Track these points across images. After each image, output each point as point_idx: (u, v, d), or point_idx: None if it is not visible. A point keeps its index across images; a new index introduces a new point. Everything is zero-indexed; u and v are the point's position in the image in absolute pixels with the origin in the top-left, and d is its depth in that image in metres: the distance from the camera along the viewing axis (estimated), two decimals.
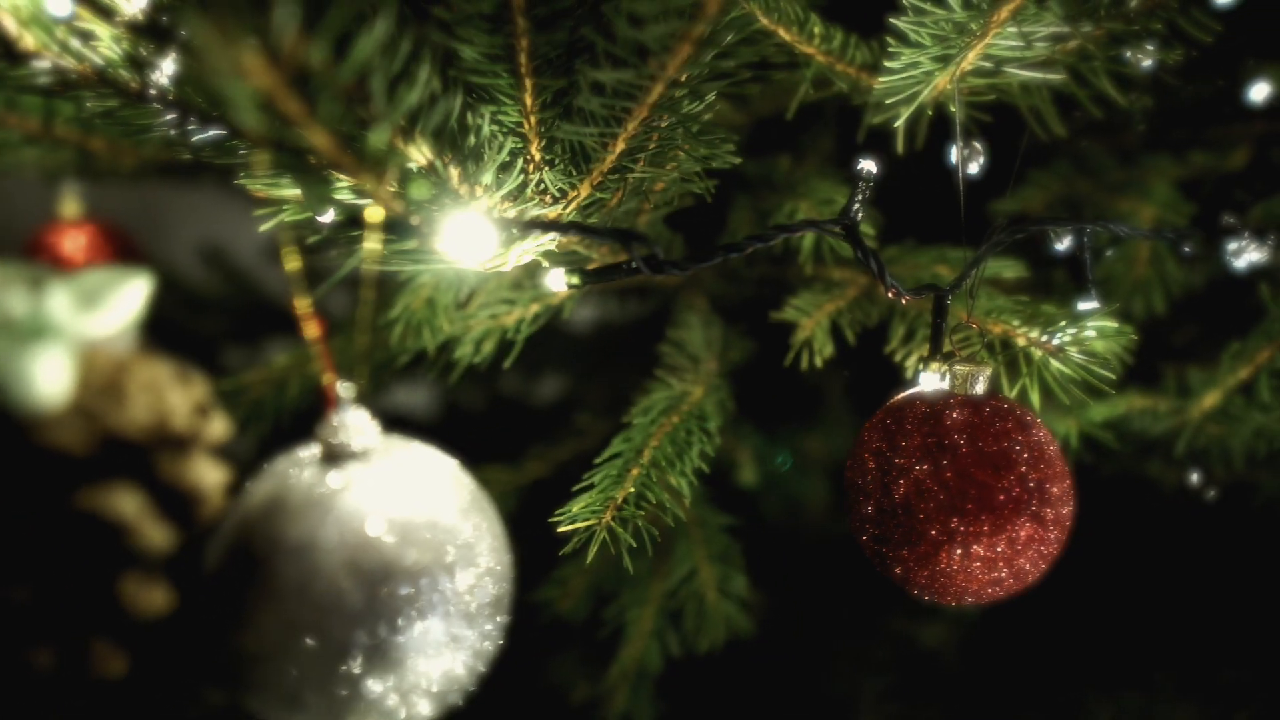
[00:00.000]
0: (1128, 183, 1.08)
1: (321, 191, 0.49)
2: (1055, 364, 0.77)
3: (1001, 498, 0.66)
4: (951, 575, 0.68)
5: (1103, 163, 1.12)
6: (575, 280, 0.62)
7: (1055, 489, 0.68)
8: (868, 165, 0.70)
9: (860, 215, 0.67)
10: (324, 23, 0.43)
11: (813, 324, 0.89)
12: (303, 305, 0.54)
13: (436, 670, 0.47)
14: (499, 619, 0.52)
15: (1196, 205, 0.99)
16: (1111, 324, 0.78)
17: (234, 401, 1.07)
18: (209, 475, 0.42)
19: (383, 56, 0.49)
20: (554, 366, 1.82)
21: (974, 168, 0.89)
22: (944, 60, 0.71)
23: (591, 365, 1.72)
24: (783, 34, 0.82)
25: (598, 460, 0.83)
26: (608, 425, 0.99)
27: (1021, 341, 0.79)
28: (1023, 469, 0.67)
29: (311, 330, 1.11)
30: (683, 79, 0.65)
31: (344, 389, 0.52)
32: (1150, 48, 0.75)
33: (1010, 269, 0.91)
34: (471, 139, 0.64)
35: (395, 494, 0.48)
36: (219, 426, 0.46)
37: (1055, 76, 0.76)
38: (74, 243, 1.35)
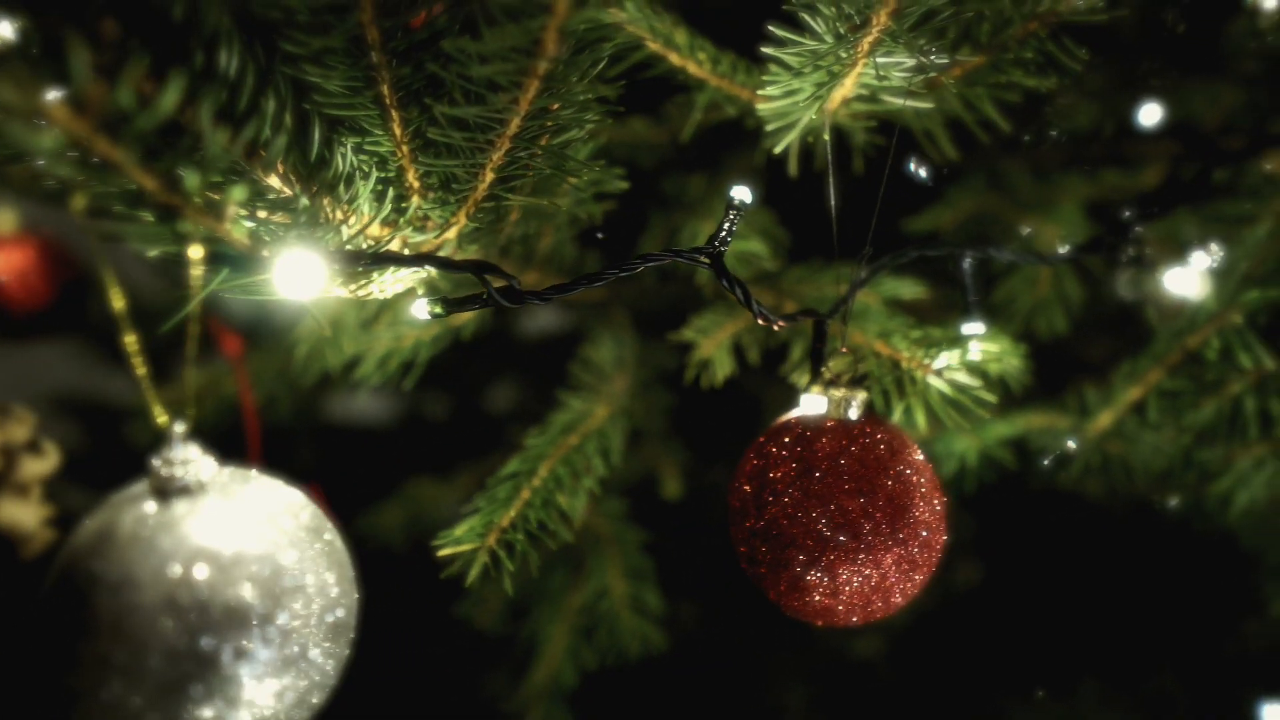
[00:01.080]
0: (1038, 201, 1.09)
1: (155, 231, 0.49)
2: (937, 385, 0.78)
3: (865, 523, 0.67)
4: (818, 598, 0.69)
5: (1017, 180, 1.13)
6: (437, 310, 0.62)
7: (923, 514, 0.69)
8: (740, 194, 0.70)
9: (727, 244, 0.67)
10: (128, 67, 0.44)
11: (713, 345, 0.90)
12: (131, 342, 0.54)
13: (260, 700, 0.47)
14: (334, 648, 0.53)
15: (1101, 224, 1.01)
16: (994, 346, 0.79)
17: (147, 420, 1.08)
18: (21, 515, 0.43)
19: (209, 93, 0.50)
20: (514, 377, 1.82)
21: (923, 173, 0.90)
22: (822, 86, 0.72)
23: (537, 376, 1.73)
24: (672, 58, 0.83)
25: (490, 481, 0.84)
26: None
27: (905, 364, 0.80)
28: (889, 494, 0.68)
29: (231, 349, 1.11)
30: (554, 108, 0.66)
31: (177, 424, 0.53)
32: (1027, 75, 0.76)
33: (908, 289, 0.92)
34: (339, 168, 0.65)
35: (220, 529, 0.48)
36: (43, 463, 0.46)
37: (925, 105, 0.77)
38: (6, 260, 1.35)
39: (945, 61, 0.66)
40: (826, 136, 0.75)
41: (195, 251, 0.50)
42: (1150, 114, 0.90)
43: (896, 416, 0.80)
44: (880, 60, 0.68)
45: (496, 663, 1.15)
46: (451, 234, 0.73)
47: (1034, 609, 1.46)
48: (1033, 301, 0.97)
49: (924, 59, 0.65)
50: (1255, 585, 1.08)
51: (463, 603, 1.12)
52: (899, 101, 0.74)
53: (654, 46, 0.80)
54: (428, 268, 0.62)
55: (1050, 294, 0.97)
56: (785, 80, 0.71)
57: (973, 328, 0.81)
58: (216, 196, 0.52)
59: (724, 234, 0.67)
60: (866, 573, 0.68)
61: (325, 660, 0.51)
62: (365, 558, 0.87)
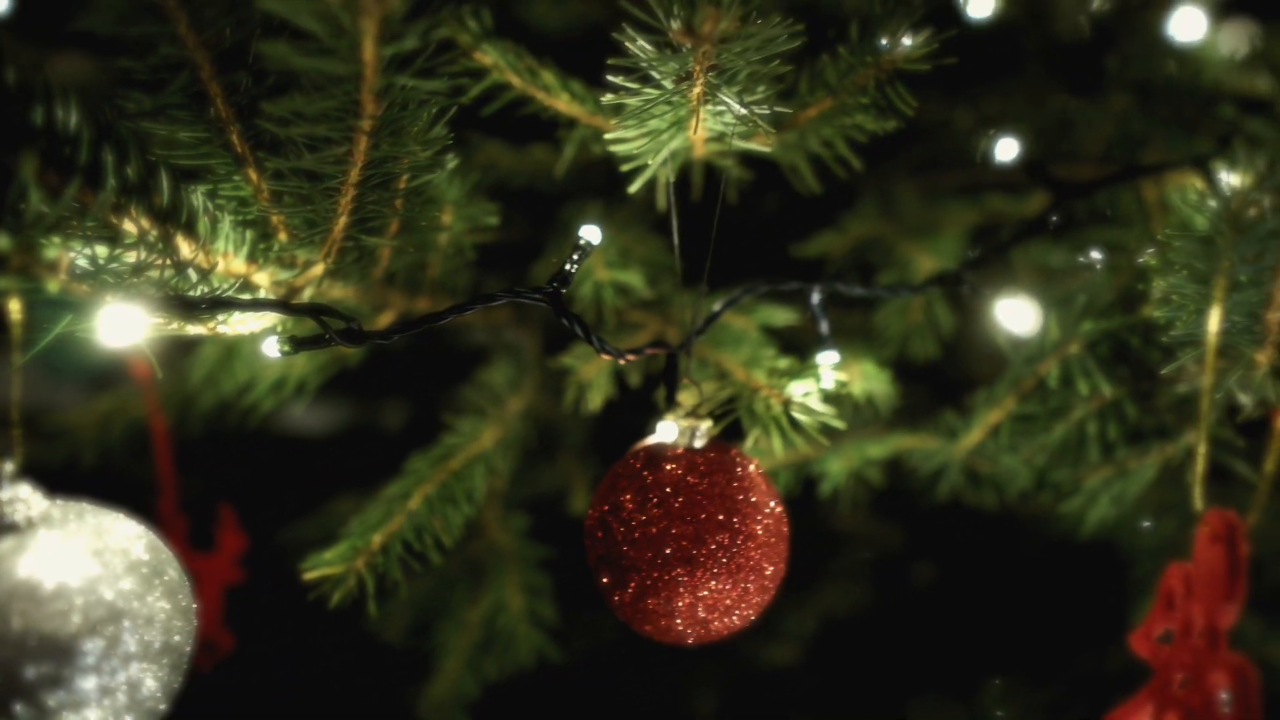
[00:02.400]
0: (926, 226, 1.13)
1: None
2: (794, 412, 0.82)
3: (702, 548, 0.71)
4: (657, 619, 0.73)
5: (907, 205, 1.17)
6: (286, 349, 0.66)
7: (761, 538, 0.73)
8: (587, 234, 0.74)
9: (568, 283, 0.71)
10: None
11: (593, 369, 0.94)
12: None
13: None
14: (166, 677, 0.56)
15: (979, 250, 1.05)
16: (850, 374, 0.83)
17: (62, 441, 1.11)
18: None
19: (31, 150, 0.53)
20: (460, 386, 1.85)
21: None
22: (665, 131, 0.75)
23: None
24: (540, 97, 0.86)
25: (368, 503, 0.87)
26: None
27: (763, 392, 0.84)
28: (727, 520, 0.72)
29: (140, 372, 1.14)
30: (403, 160, 0.69)
31: (6, 463, 0.56)
32: (868, 120, 0.80)
33: (780, 316, 0.95)
34: (194, 212, 0.68)
35: (45, 564, 0.52)
36: None
37: (765, 149, 0.81)
38: None
39: (766, 112, 0.70)
40: (666, 178, 0.79)
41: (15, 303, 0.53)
42: (1006, 149, 0.94)
43: (750, 443, 0.84)
44: (714, 109, 0.71)
45: (409, 675, 1.18)
46: (317, 271, 0.77)
47: (940, 616, 1.51)
48: (905, 327, 1.01)
49: (749, 110, 0.69)
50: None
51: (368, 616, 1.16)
52: (740, 144, 0.78)
53: (520, 86, 0.84)
54: (262, 309, 0.65)
55: (922, 320, 1.01)
56: (632, 124, 0.74)
57: (827, 357, 0.84)
58: (49, 249, 0.55)
59: (566, 272, 0.71)
60: (703, 595, 0.72)
61: (153, 690, 0.54)
62: (289, 574, 0.91)
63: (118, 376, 1.17)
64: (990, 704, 1.31)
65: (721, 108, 0.70)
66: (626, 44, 0.65)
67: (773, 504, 0.75)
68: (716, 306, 0.82)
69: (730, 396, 0.86)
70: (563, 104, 0.85)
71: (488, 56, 0.81)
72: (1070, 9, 1.33)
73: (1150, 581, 1.04)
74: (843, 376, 0.83)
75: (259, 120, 0.62)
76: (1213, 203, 0.56)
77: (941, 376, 1.12)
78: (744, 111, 0.70)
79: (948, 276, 0.86)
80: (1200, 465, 0.70)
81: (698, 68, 0.64)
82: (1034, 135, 1.01)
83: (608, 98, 0.74)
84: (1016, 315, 0.85)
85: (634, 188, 0.81)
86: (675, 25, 0.59)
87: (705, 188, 0.97)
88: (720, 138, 0.79)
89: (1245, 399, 0.74)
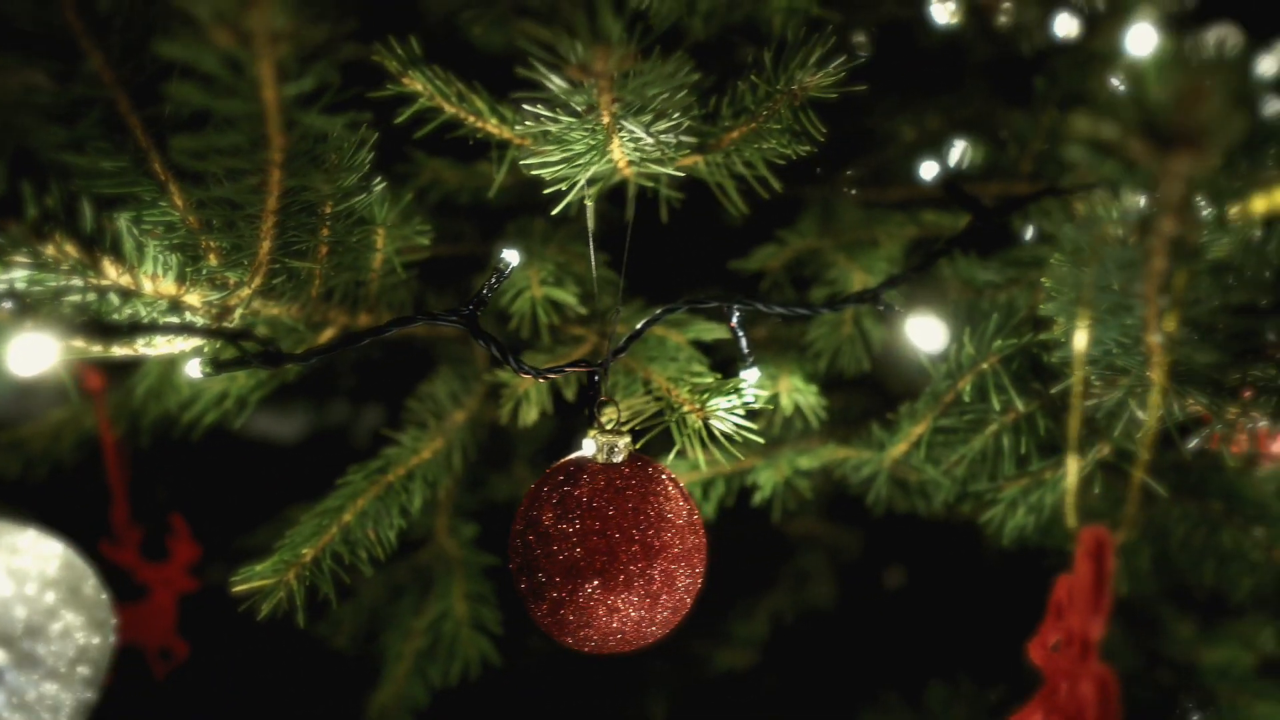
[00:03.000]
0: (866, 240, 1.16)
1: None
2: (714, 426, 0.84)
3: (615, 561, 0.73)
4: (574, 628, 0.75)
5: (848, 219, 1.19)
6: (208, 370, 0.68)
7: (675, 550, 0.75)
8: (508, 257, 0.76)
9: (485, 304, 0.73)
10: None
11: (528, 383, 0.96)
12: None
13: None
14: (78, 689, 0.58)
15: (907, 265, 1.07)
16: (775, 388, 0.86)
17: (14, 453, 1.13)
18: None
19: None
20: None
21: None
22: (582, 156, 0.78)
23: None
24: (471, 120, 0.88)
25: (305, 517, 0.89)
26: None
27: (686, 407, 0.86)
28: (640, 534, 0.74)
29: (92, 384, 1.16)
30: (322, 188, 0.72)
31: None
32: (782, 144, 0.82)
33: (711, 331, 0.98)
34: (119, 237, 0.70)
35: None
36: None
37: (678, 173, 0.84)
38: None
39: (672, 140, 0.73)
40: (587, 200, 0.81)
41: None
42: (929, 169, 0.97)
43: (672, 456, 0.86)
44: (626, 136, 0.74)
45: (358, 681, 1.21)
46: (247, 292, 0.79)
47: (895, 619, 1.53)
48: (836, 341, 1.04)
49: (655, 138, 0.71)
50: None
51: (319, 624, 1.18)
52: (654, 168, 0.80)
53: (450, 110, 0.86)
54: (180, 334, 0.68)
55: (853, 333, 1.03)
56: (552, 149, 0.77)
57: (748, 374, 0.87)
58: None
59: (483, 294, 0.73)
60: (617, 607, 0.74)
61: (66, 703, 0.57)
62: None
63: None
64: (937, 705, 1.34)
65: (633, 135, 0.72)
66: (535, 77, 0.68)
67: (687, 517, 0.78)
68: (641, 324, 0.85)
69: (658, 411, 0.89)
70: (493, 127, 0.87)
71: (416, 82, 0.83)
72: (1016, 24, 1.36)
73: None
74: (762, 393, 0.85)
75: (174, 154, 0.64)
76: (1083, 230, 0.59)
77: (876, 388, 1.15)
78: (650, 140, 0.72)
79: (865, 295, 0.88)
80: (1072, 482, 0.72)
81: (602, 99, 0.67)
82: (975, 151, 1.04)
83: (525, 125, 0.76)
84: (926, 333, 0.87)
85: (557, 210, 0.84)
86: (573, 61, 0.61)
87: (651, 205, 1.00)
88: (654, 158, 0.81)
89: (1143, 415, 0.77)
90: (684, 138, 0.86)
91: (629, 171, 0.89)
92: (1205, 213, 0.52)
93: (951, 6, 1.28)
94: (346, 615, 1.18)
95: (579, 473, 0.77)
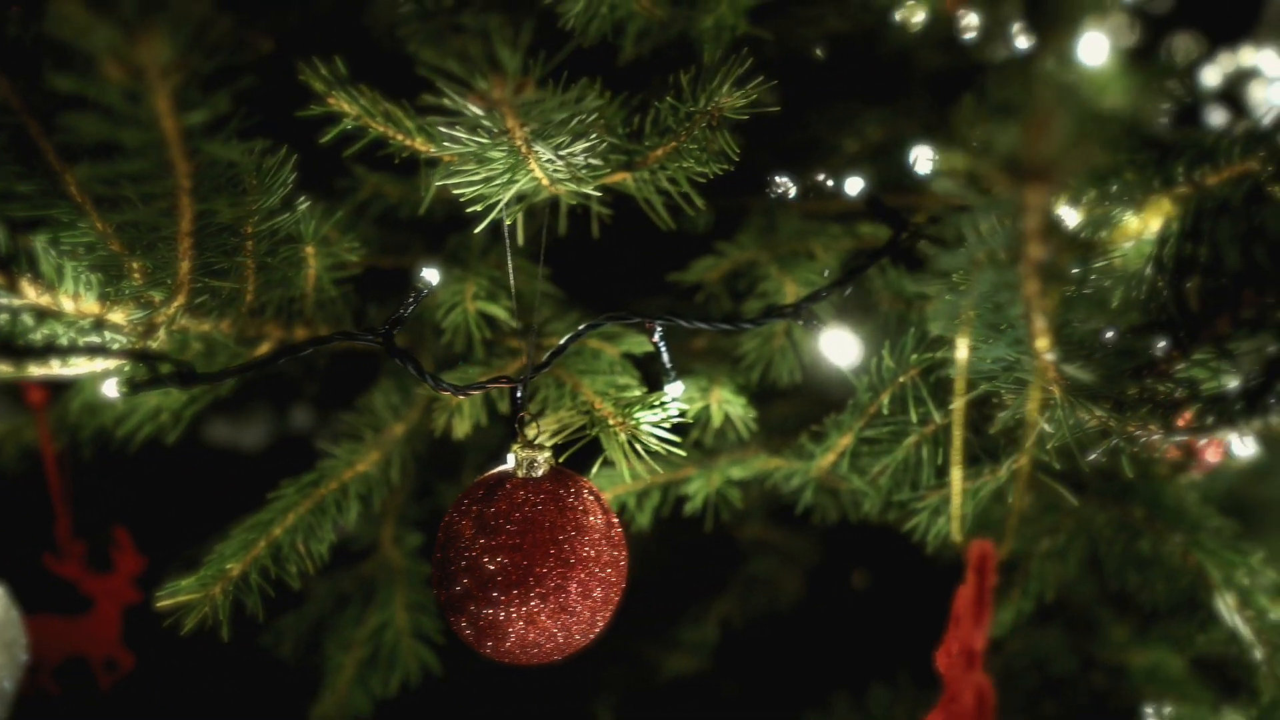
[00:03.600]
0: (799, 252, 1.18)
1: None
2: (639, 438, 0.86)
3: (528, 577, 0.75)
4: (494, 642, 0.76)
5: (787, 231, 1.21)
6: (124, 390, 0.69)
7: (592, 563, 0.77)
8: (427, 276, 0.78)
9: (401, 324, 0.74)
10: None
11: (460, 397, 0.97)
12: None
13: None
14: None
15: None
16: (684, 406, 0.87)
17: None
18: None
19: None
20: None
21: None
22: (501, 175, 0.79)
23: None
24: (399, 138, 0.89)
25: (236, 530, 0.90)
26: None
27: (610, 420, 0.88)
28: (557, 547, 0.76)
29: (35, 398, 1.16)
30: (231, 214, 0.73)
31: None
32: (699, 163, 0.84)
33: (643, 345, 0.99)
34: (38, 256, 0.71)
35: None
36: None
37: (593, 192, 0.85)
38: None
39: (582, 163, 0.74)
40: (510, 221, 0.83)
41: None
42: (853, 185, 0.98)
43: (595, 469, 0.88)
44: (541, 157, 0.75)
45: (302, 692, 1.22)
46: (171, 310, 0.80)
47: (843, 621, 1.56)
48: (768, 352, 1.05)
49: (565, 161, 0.73)
50: None
51: (264, 634, 1.19)
52: (572, 186, 0.82)
53: (377, 129, 0.87)
54: (75, 356, 0.69)
55: (785, 345, 1.05)
56: (470, 169, 0.78)
57: (673, 388, 0.88)
58: None
59: (399, 315, 0.75)
60: (534, 619, 0.75)
61: None
62: None
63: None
64: (878, 708, 1.36)
65: (546, 157, 0.74)
66: (444, 102, 0.69)
67: (606, 530, 0.79)
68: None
69: (587, 424, 0.90)
70: (420, 144, 0.88)
71: (342, 102, 0.84)
72: (965, 35, 1.38)
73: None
74: (685, 405, 0.87)
75: (84, 180, 0.65)
76: (958, 253, 0.61)
77: (816, 398, 1.17)
78: (561, 163, 0.74)
79: (787, 309, 0.90)
80: (957, 498, 0.74)
81: (510, 124, 0.68)
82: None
83: (444, 145, 0.78)
84: (840, 347, 0.89)
85: (480, 228, 0.85)
86: (480, 86, 0.62)
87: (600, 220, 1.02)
88: (571, 179, 0.83)
89: (1050, 428, 0.79)
90: (611, 155, 0.88)
91: (560, 189, 0.90)
92: (1074, 236, 0.54)
93: (919, 14, 1.30)
94: (290, 625, 1.19)
95: (497, 487, 0.79)
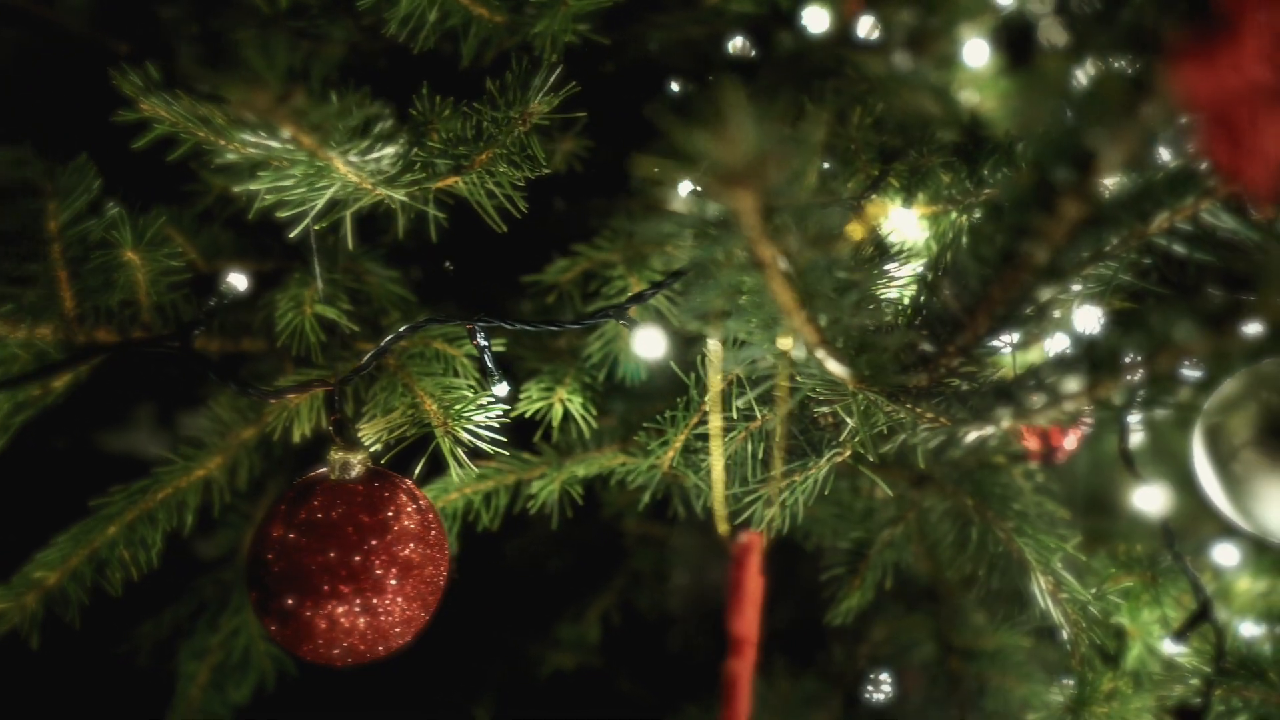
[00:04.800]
0: (643, 255, 1.20)
1: None
2: (463, 439, 0.87)
3: (335, 578, 0.76)
4: (305, 643, 0.77)
5: (644, 231, 1.23)
6: None
7: (402, 567, 0.78)
8: (232, 281, 0.78)
9: (199, 332, 0.75)
10: None
11: (299, 400, 0.98)
12: None
13: None
14: None
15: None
16: (506, 406, 0.89)
17: None
18: None
19: None
20: None
21: None
22: (309, 179, 0.80)
23: None
24: (221, 143, 0.90)
25: (60, 538, 0.90)
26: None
27: (435, 421, 0.89)
28: (362, 551, 0.77)
29: None
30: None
31: None
32: (514, 170, 0.86)
33: (497, 346, 1.00)
34: None
35: None
36: None
37: (402, 197, 0.86)
38: None
39: (391, 171, 0.75)
40: (317, 227, 0.83)
41: None
42: (684, 186, 1.01)
43: (418, 469, 0.89)
44: (346, 163, 0.76)
45: (158, 699, 1.21)
46: None
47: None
48: (615, 351, 1.07)
49: (359, 167, 0.74)
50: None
51: (120, 644, 1.18)
52: (387, 191, 0.83)
53: (194, 134, 0.87)
54: None
55: (628, 344, 1.07)
56: (268, 174, 0.78)
57: (498, 389, 0.90)
58: None
59: (196, 320, 0.75)
60: (342, 621, 0.76)
61: None
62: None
63: None
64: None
65: (348, 161, 0.75)
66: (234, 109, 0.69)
67: (422, 531, 0.80)
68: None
69: (414, 426, 0.91)
70: (238, 150, 0.88)
71: (155, 108, 0.84)
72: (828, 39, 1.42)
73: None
74: (507, 406, 0.88)
75: None
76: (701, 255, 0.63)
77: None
78: (370, 167, 0.75)
79: (609, 309, 0.92)
80: (719, 486, 0.77)
81: (290, 130, 0.69)
82: None
83: (246, 150, 0.78)
84: (648, 344, 0.91)
85: (294, 234, 0.85)
86: (241, 95, 0.63)
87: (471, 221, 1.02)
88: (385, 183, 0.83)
89: (851, 421, 0.82)
90: (440, 160, 0.89)
91: (383, 192, 0.91)
92: (811, 236, 0.56)
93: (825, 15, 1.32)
94: (148, 633, 1.18)
95: (310, 489, 0.79)
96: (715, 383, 0.72)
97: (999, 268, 0.59)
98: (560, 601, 1.51)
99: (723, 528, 0.75)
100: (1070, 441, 1.30)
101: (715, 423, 0.76)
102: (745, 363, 0.72)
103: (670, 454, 1.02)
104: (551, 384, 1.04)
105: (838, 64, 1.37)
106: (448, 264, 1.19)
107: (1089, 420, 1.16)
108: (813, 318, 0.62)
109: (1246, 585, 1.30)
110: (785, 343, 0.64)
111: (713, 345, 0.69)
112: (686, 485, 1.09)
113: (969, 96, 1.64)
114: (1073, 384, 0.62)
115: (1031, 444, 1.30)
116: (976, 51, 1.57)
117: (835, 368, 0.68)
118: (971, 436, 0.81)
